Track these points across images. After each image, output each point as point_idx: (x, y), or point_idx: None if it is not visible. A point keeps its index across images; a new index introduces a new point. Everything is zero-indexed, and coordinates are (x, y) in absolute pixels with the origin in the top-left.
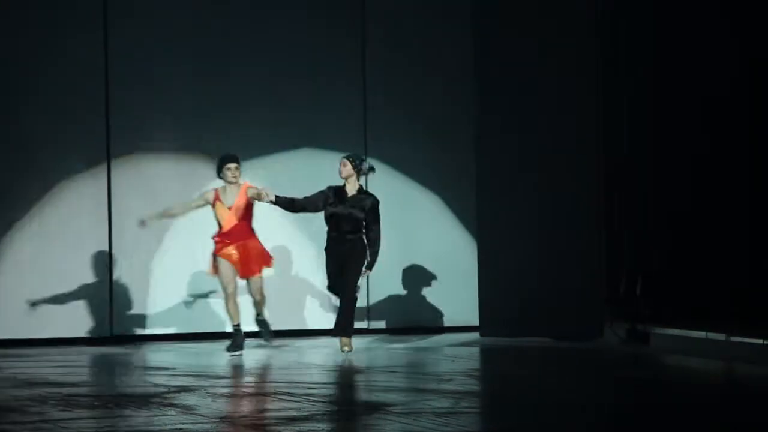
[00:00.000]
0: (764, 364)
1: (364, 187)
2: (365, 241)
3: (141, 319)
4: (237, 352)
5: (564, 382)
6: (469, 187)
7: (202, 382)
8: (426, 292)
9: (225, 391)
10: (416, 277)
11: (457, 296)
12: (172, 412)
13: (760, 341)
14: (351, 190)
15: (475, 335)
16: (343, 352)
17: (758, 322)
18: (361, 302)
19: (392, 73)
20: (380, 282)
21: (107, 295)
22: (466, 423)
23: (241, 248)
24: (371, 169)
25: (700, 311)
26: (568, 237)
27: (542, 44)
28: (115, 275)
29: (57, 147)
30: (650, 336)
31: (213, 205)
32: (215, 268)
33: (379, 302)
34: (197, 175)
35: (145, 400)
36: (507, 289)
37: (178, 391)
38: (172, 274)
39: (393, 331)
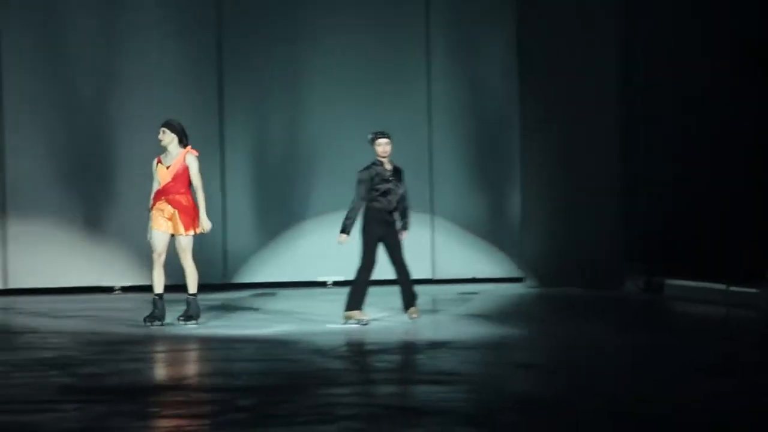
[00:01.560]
0: (755, 309)
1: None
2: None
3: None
4: (156, 323)
5: (589, 322)
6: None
7: (290, 321)
8: (480, 247)
9: (312, 328)
10: (474, 234)
11: (504, 252)
12: (251, 349)
13: (754, 290)
14: (389, 165)
15: (519, 285)
16: (411, 319)
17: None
18: (426, 258)
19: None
20: (444, 240)
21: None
22: (511, 355)
23: (175, 204)
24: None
25: (706, 266)
26: (597, 206)
27: (577, 44)
28: None
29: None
30: (663, 286)
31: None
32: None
33: (442, 256)
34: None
35: (227, 339)
36: (546, 246)
37: (276, 330)
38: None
39: (454, 282)
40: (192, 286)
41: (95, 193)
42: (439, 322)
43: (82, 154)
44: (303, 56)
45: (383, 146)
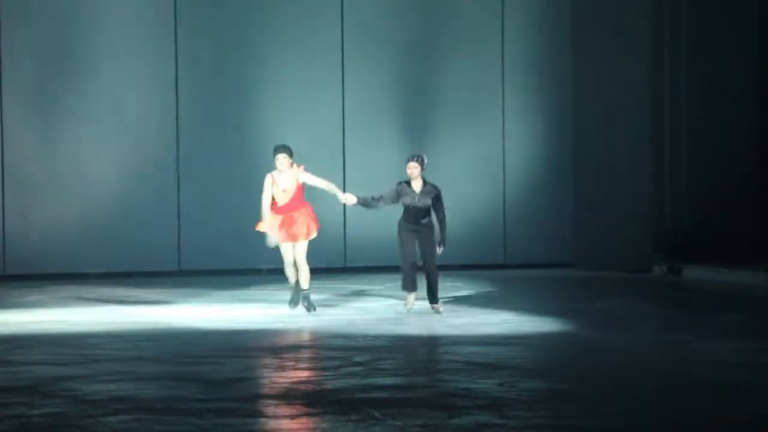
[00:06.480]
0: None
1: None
2: (433, 222)
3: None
4: (292, 306)
5: (625, 298)
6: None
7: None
8: (541, 239)
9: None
10: (537, 229)
11: (554, 241)
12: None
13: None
14: (418, 184)
15: (568, 269)
16: (438, 314)
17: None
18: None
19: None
20: (516, 232)
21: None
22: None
23: (287, 218)
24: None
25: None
26: (634, 205)
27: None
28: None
29: None
30: (682, 270)
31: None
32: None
33: (515, 243)
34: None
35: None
36: (592, 239)
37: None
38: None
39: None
40: (303, 283)
41: None
42: (516, 294)
43: None
44: None
45: (410, 169)
